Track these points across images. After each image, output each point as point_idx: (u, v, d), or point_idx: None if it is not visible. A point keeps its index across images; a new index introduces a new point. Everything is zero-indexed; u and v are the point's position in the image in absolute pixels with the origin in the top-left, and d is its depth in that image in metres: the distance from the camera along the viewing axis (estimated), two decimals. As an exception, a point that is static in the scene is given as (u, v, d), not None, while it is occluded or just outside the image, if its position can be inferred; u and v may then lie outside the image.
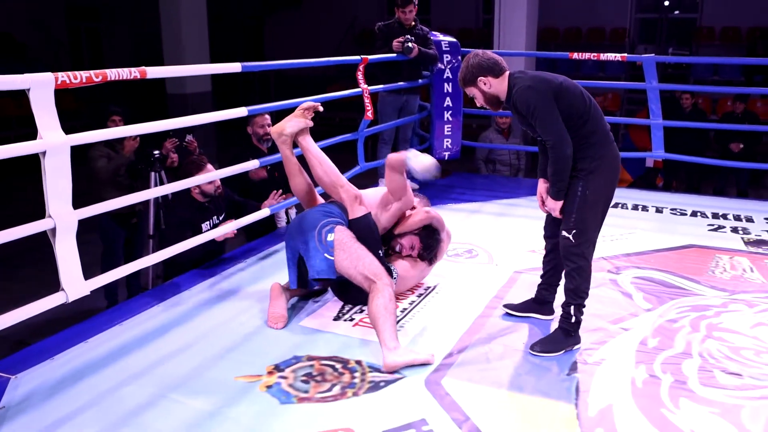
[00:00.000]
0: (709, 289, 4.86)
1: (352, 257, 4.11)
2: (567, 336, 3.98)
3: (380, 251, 4.36)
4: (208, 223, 5.12)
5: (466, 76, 4.01)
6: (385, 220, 4.57)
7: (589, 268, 4.00)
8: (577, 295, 3.97)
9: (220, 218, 5.25)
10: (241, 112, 4.97)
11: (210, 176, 4.92)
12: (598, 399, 3.42)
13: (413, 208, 4.78)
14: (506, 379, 3.62)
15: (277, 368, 3.70)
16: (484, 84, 3.97)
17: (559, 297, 4.17)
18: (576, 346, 3.99)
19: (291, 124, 4.50)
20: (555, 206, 3.97)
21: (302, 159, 4.63)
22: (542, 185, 4.20)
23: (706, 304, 4.60)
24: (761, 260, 5.44)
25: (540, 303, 4.42)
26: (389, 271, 4.34)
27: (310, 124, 4.55)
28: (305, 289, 4.49)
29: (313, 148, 4.54)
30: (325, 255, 4.14)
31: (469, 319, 4.35)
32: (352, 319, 4.28)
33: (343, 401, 3.38)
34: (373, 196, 4.62)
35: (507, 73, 3.99)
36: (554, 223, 4.18)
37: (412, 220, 4.67)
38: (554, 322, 4.20)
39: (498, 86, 3.98)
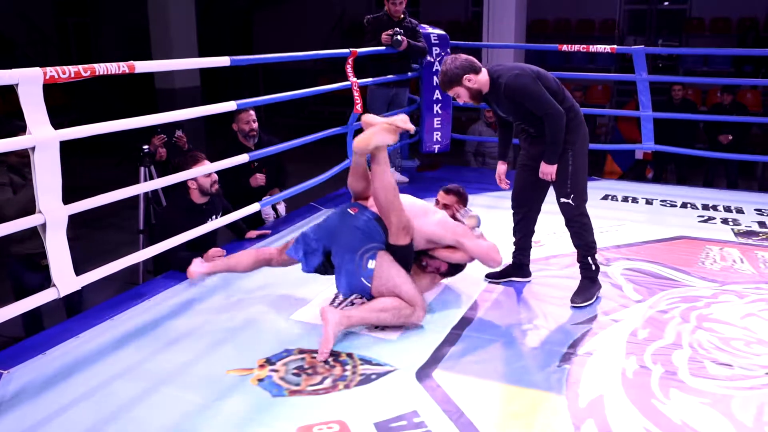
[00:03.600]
0: (699, 280, 4.88)
1: (389, 285, 4.04)
2: (593, 282, 4.56)
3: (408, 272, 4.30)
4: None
5: (452, 78, 4.35)
6: (426, 246, 4.43)
7: (590, 222, 4.56)
8: (589, 247, 4.55)
9: (218, 218, 5.22)
10: (229, 106, 4.96)
11: (207, 168, 4.91)
12: (588, 390, 3.43)
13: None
14: (497, 371, 3.64)
15: (269, 361, 3.70)
16: (469, 81, 4.35)
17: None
18: (600, 290, 4.60)
19: (379, 138, 4.09)
20: (551, 170, 4.43)
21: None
22: (502, 167, 4.89)
23: (697, 295, 4.61)
24: (751, 251, 5.47)
25: (518, 267, 4.89)
26: None
27: (396, 138, 4.20)
28: (314, 272, 4.40)
29: (383, 164, 4.14)
30: (362, 279, 4.05)
31: (460, 311, 4.36)
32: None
33: (334, 394, 3.39)
34: (427, 229, 4.36)
35: (483, 68, 4.41)
36: (524, 194, 4.75)
37: (451, 255, 4.45)
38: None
39: (480, 81, 4.38)
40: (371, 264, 4.05)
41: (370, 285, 4.05)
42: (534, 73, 4.33)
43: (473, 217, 4.46)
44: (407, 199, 4.44)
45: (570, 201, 4.47)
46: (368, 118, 4.37)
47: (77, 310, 5.16)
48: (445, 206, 4.71)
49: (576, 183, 4.46)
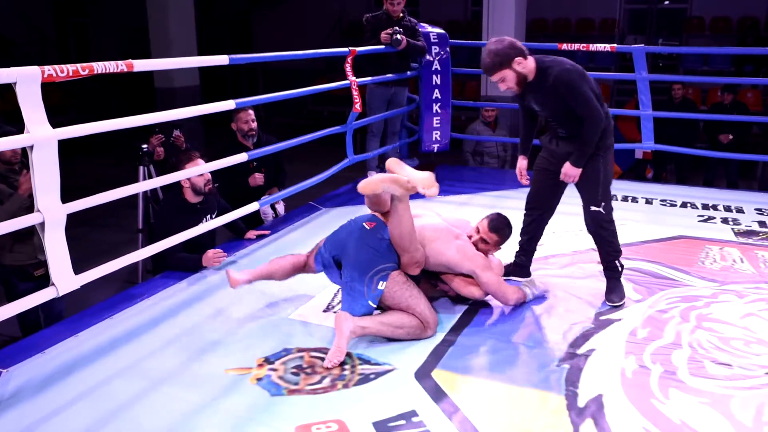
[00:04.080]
0: (698, 279, 4.87)
1: (402, 306, 3.95)
2: (618, 281, 4.56)
3: None
4: (200, 224, 5.09)
5: (503, 59, 4.14)
6: (442, 270, 4.32)
7: (615, 227, 4.54)
8: (617, 251, 4.54)
9: (213, 217, 5.22)
10: (228, 105, 4.96)
11: (202, 168, 4.90)
12: (587, 389, 3.43)
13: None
14: (496, 370, 3.64)
15: (267, 361, 3.70)
16: (519, 65, 4.15)
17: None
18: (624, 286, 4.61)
19: (387, 187, 3.93)
20: (575, 173, 4.33)
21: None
22: (523, 162, 4.76)
23: (696, 294, 4.61)
24: (751, 251, 5.46)
25: (519, 267, 4.83)
26: None
27: (404, 195, 3.97)
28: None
29: (401, 209, 3.97)
30: (369, 302, 3.94)
31: (459, 311, 4.36)
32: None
33: (333, 393, 3.39)
34: (447, 255, 4.23)
35: (529, 55, 4.22)
36: (541, 197, 4.66)
37: (464, 289, 4.31)
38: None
39: (528, 66, 4.20)
40: (381, 285, 3.92)
41: (374, 306, 3.94)
42: (582, 72, 4.24)
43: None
44: (432, 222, 4.36)
45: (601, 209, 4.41)
46: (393, 165, 4.18)
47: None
48: (483, 240, 4.41)
49: (606, 191, 4.41)
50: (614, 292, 4.50)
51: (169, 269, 4.96)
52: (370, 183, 3.96)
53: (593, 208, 4.41)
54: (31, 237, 4.72)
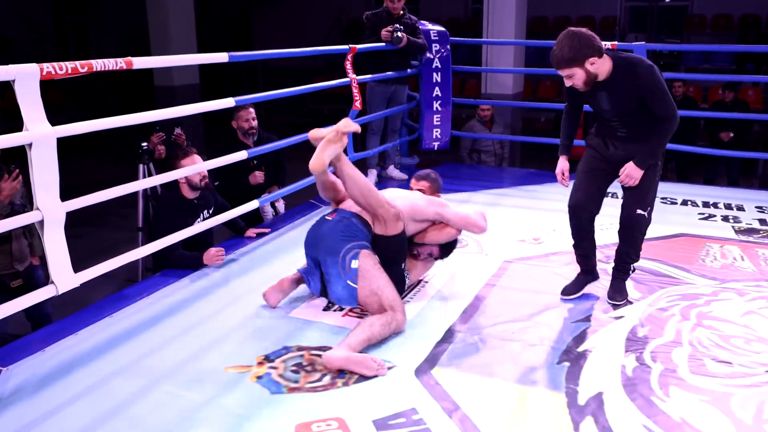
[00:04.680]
0: (699, 277, 4.87)
1: (373, 286, 3.98)
2: (624, 283, 4.51)
3: (403, 264, 4.32)
4: (198, 219, 5.09)
5: (577, 56, 3.93)
6: (413, 230, 4.45)
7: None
8: (637, 256, 4.46)
9: (210, 212, 5.22)
10: (228, 102, 4.96)
11: (199, 166, 4.89)
12: (588, 387, 3.42)
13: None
14: (496, 368, 3.63)
15: (267, 359, 3.69)
16: (592, 64, 3.95)
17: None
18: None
19: (330, 152, 4.00)
20: (639, 175, 4.18)
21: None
22: (566, 163, 4.50)
23: (697, 292, 4.61)
24: (752, 249, 5.46)
25: (589, 272, 4.64)
26: (403, 283, 4.35)
27: (345, 142, 4.12)
28: (327, 299, 4.35)
29: (347, 169, 4.11)
30: (348, 282, 3.99)
31: (459, 308, 4.36)
32: (341, 309, 4.27)
33: (333, 391, 3.38)
34: (404, 207, 4.36)
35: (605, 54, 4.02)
36: (592, 200, 4.36)
37: (439, 235, 4.51)
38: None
39: (601, 66, 3.99)
40: (354, 264, 3.99)
41: (356, 286, 3.99)
42: None
43: None
44: (387, 193, 4.50)
45: (646, 213, 4.26)
46: (314, 133, 4.18)
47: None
48: (420, 191, 4.77)
49: (653, 197, 4.32)
50: (618, 291, 4.45)
51: (170, 267, 4.96)
52: (316, 159, 4.00)
53: (639, 210, 4.25)
54: (9, 245, 4.65)
